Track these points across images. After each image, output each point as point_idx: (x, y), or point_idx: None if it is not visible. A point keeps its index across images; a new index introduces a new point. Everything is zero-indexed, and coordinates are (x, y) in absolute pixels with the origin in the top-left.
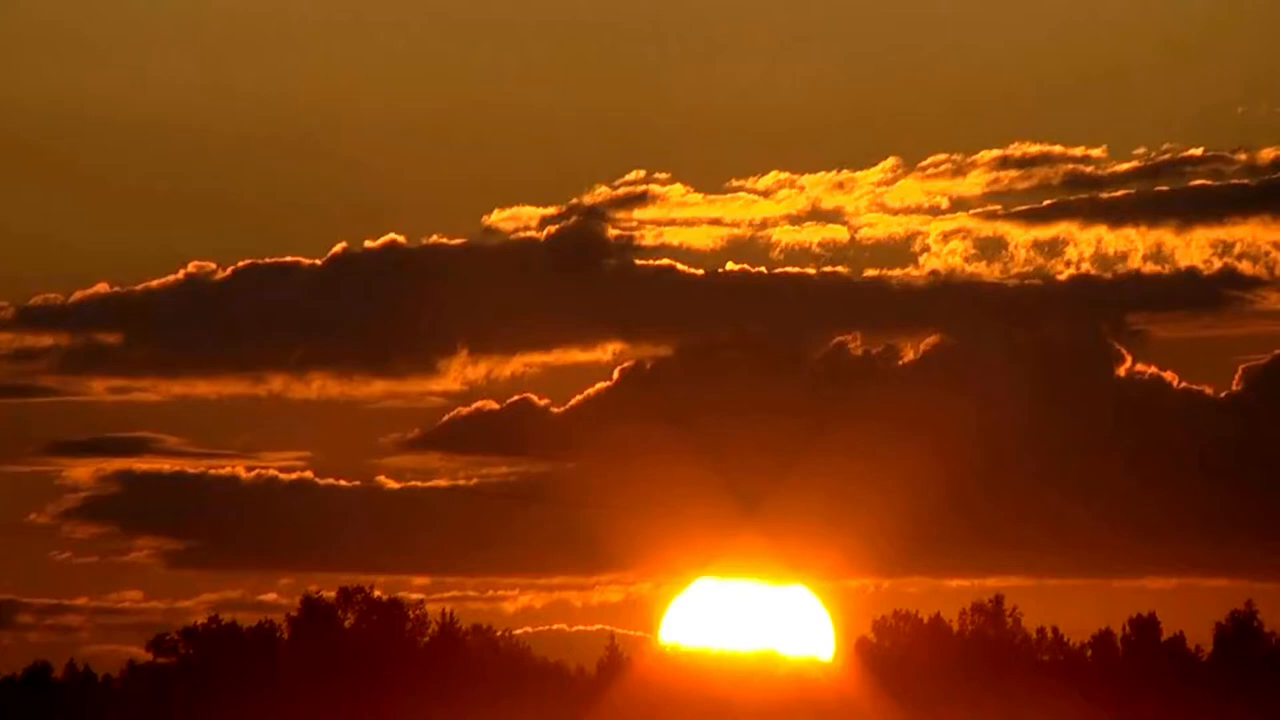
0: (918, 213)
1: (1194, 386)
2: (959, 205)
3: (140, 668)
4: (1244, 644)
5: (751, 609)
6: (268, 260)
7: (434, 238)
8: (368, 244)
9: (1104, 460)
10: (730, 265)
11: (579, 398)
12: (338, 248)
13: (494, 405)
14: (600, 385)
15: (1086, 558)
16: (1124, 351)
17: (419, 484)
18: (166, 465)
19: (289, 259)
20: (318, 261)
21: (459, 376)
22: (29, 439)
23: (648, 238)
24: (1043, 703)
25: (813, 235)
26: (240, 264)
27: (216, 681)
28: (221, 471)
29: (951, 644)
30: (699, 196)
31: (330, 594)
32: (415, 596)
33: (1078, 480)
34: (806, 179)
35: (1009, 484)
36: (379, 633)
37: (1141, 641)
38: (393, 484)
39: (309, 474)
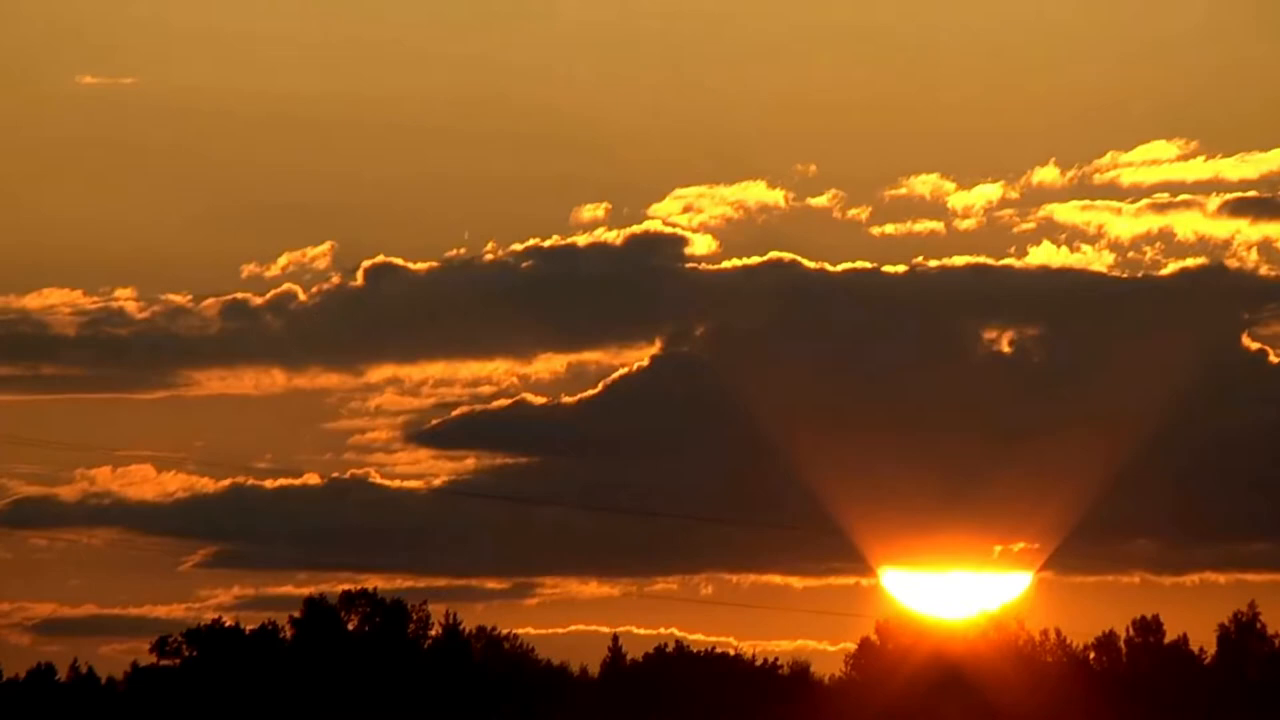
0: (1020, 205)
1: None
2: (1058, 195)
3: (143, 670)
4: (1247, 645)
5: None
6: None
7: (515, 245)
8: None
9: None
10: (819, 263)
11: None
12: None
13: (502, 403)
14: (637, 382)
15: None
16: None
17: (422, 484)
18: (169, 468)
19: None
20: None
21: (502, 377)
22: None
23: (733, 243)
24: (1046, 704)
25: (911, 228)
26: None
27: (219, 684)
28: (231, 473)
29: (956, 645)
30: (784, 195)
31: (337, 589)
32: (427, 584)
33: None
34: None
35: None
36: (382, 634)
37: (1145, 643)
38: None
39: (318, 476)
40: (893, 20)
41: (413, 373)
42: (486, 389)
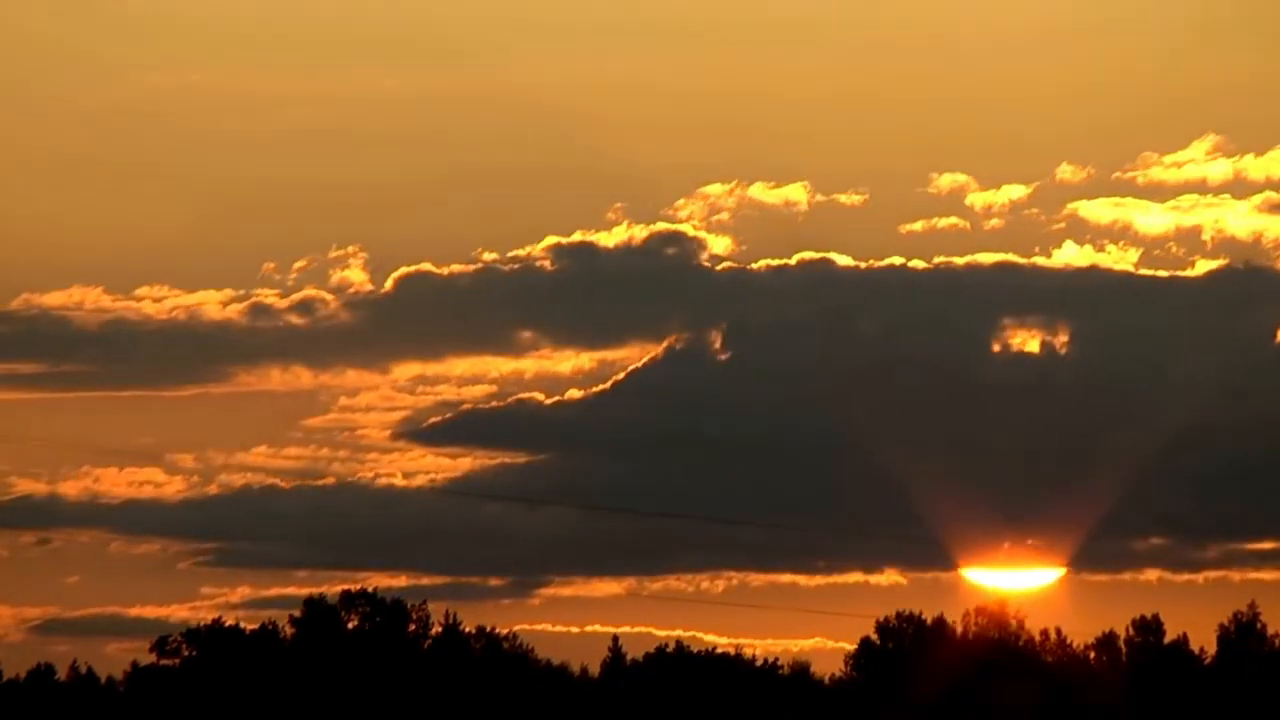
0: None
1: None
2: (1085, 193)
3: (143, 670)
4: (1247, 645)
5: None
6: None
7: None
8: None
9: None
10: (855, 261)
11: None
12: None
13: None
14: (644, 379)
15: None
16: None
17: (423, 484)
18: (172, 468)
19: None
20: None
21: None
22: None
23: (759, 241)
24: (1045, 704)
25: (935, 224)
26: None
27: (219, 684)
28: (230, 472)
29: (954, 645)
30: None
31: (337, 589)
32: (431, 584)
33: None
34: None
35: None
36: (382, 634)
37: (1145, 643)
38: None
39: (319, 476)
40: (921, 18)
41: (424, 371)
42: (497, 388)
